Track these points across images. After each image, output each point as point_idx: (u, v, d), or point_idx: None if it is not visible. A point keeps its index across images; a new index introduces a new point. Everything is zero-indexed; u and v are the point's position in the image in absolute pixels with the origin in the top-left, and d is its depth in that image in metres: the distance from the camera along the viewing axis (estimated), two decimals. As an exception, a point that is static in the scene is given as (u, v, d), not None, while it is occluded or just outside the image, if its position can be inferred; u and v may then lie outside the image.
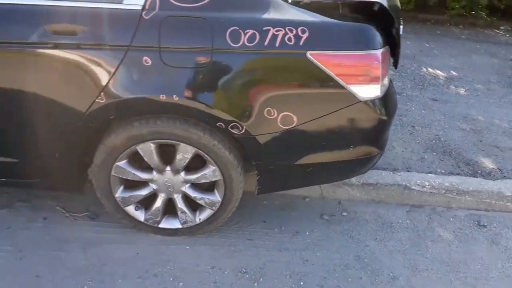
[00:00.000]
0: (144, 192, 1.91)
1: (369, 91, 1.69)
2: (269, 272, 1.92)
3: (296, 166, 1.85)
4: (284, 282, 1.87)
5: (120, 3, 1.55)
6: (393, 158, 2.67)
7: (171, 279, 1.83)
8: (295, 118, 1.69)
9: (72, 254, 1.89)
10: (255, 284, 1.85)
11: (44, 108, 1.63)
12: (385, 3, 1.69)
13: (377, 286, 1.89)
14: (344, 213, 2.33)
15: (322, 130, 1.75)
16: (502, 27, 5.24)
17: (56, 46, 1.54)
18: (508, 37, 5.25)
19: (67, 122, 1.66)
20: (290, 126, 1.71)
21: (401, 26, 1.74)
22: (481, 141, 2.96)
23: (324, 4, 1.68)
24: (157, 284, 1.81)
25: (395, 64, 1.94)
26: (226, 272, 1.89)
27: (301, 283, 1.87)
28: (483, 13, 5.02)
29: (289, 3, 1.65)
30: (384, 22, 1.72)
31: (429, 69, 4.13)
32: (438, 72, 4.09)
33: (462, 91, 3.74)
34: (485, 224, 2.33)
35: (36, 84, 1.60)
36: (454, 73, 4.10)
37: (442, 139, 2.95)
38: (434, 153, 2.78)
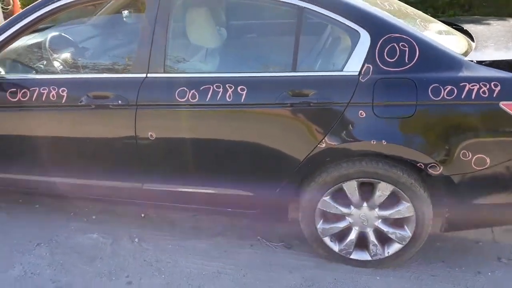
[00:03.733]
0: (341, 225, 2.23)
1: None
2: (461, 305, 2.05)
3: (485, 206, 2.04)
4: (478, 316, 1.98)
5: (341, 70, 2.02)
6: None
7: (370, 303, 2.07)
8: (488, 160, 1.93)
9: (282, 275, 2.25)
10: (450, 315, 1.99)
11: (277, 153, 2.10)
12: None
13: None
14: (523, 257, 2.37)
15: (513, 171, 1.95)
16: None
17: (292, 105, 2.03)
18: None
19: (291, 164, 2.10)
20: (483, 167, 1.94)
21: None
22: None
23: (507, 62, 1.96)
24: (358, 307, 2.06)
25: None
26: (420, 301, 2.08)
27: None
28: None
29: (475, 63, 1.97)
30: None
31: None
32: None
33: None
34: None
35: (273, 135, 2.09)
36: None
37: None
38: None
